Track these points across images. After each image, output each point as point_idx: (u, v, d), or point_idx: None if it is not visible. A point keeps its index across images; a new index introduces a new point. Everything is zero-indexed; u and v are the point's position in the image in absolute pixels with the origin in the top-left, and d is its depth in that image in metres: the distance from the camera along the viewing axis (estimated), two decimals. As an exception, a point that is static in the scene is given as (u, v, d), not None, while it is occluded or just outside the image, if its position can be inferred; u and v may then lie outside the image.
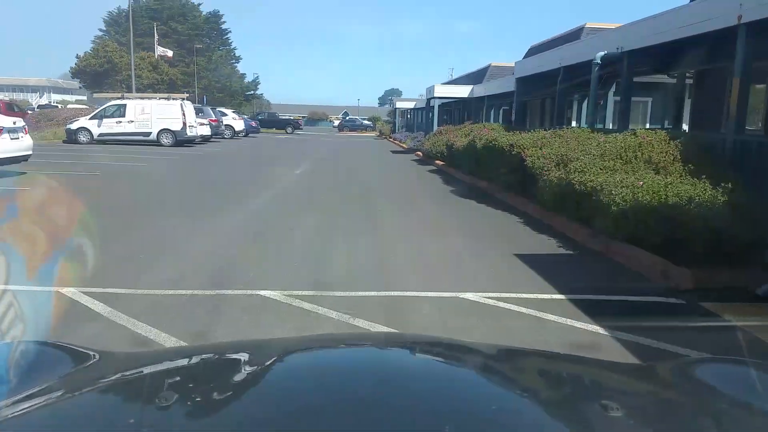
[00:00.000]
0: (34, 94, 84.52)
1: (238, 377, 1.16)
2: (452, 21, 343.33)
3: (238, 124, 37.73)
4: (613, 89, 20.20)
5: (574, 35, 23.17)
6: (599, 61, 12.49)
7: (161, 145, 26.30)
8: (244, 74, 79.53)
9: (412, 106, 45.33)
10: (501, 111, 28.50)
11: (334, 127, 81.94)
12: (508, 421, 0.93)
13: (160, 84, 45.81)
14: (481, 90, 24.01)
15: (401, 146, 32.92)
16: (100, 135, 26.52)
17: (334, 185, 13.66)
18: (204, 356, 1.38)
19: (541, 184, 9.09)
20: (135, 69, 45.57)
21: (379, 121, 69.70)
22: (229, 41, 77.67)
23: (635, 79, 20.84)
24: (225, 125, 37.04)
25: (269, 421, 0.91)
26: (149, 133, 26.50)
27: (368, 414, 0.93)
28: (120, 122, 26.46)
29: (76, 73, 45.34)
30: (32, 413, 0.97)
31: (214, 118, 32.24)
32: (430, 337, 2.28)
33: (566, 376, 1.31)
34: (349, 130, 67.72)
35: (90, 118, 27.05)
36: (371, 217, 9.24)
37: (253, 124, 43.21)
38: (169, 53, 58.56)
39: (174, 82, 47.43)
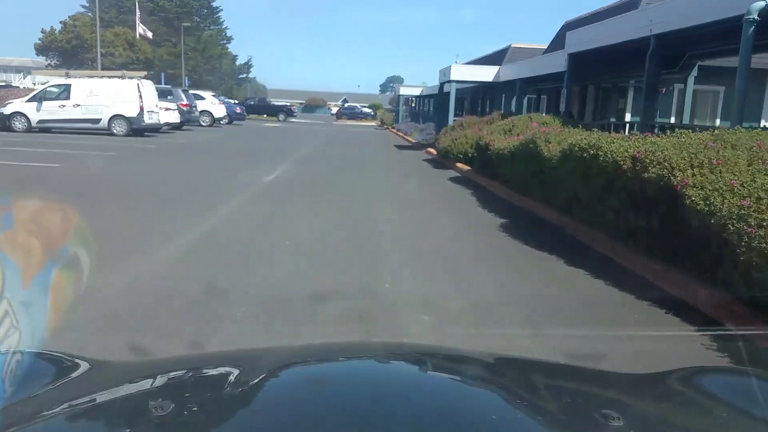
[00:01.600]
0: (18, 75, 79.10)
1: (233, 388, 1.09)
2: (456, 9, 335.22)
3: (218, 110, 32.57)
4: (694, 73, 15.22)
5: (630, 5, 18.06)
6: (755, 17, 7.44)
7: (114, 135, 21.20)
8: (236, 56, 74.24)
9: (417, 93, 40.15)
10: (526, 100, 23.50)
11: (332, 114, 76.72)
12: (508, 431, 0.92)
13: (136, 63, 40.48)
14: (512, 72, 18.91)
15: (407, 140, 27.81)
16: (40, 121, 21.37)
17: (314, 208, 8.64)
18: (199, 366, 1.31)
19: (757, 261, 4.06)
20: (108, 46, 40.34)
21: (380, 110, 64.42)
22: (221, 20, 72.23)
23: (701, 63, 15.83)
24: (202, 111, 31.89)
25: None
26: (98, 120, 21.37)
27: (366, 425, 0.90)
28: (63, 106, 21.31)
29: (41, 50, 40.02)
30: (23, 423, 0.92)
31: (184, 102, 27.08)
32: (428, 347, 2.12)
33: (567, 385, 1.25)
34: (348, 119, 62.47)
35: (27, 101, 21.84)
36: (372, 302, 4.25)
37: (238, 110, 38.02)
38: (149, 33, 53.41)
39: (151, 61, 42.07)
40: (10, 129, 21.23)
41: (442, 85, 23.16)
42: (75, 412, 0.99)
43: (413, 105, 44.93)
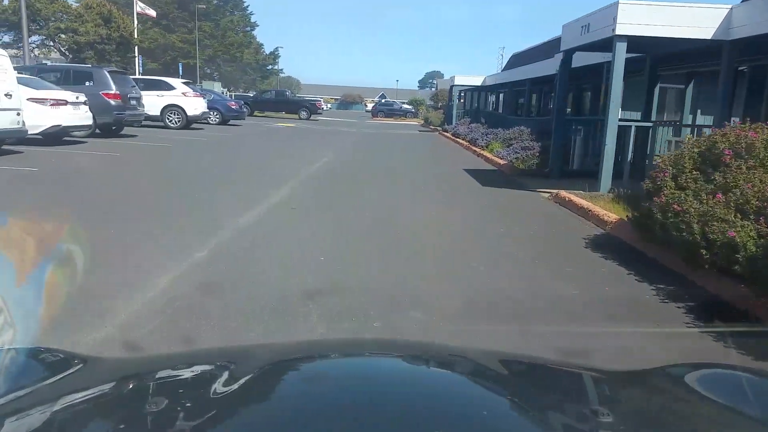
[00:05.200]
0: None
1: (227, 384, 1.01)
2: (497, 4, 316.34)
3: (193, 105, 20.82)
4: None
5: None
6: None
7: None
8: (262, 45, 62.78)
9: (478, 84, 27.87)
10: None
11: (366, 111, 64.82)
12: (499, 427, 0.89)
13: (107, 42, 29.13)
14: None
15: (482, 156, 15.51)
16: None
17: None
18: (192, 363, 1.24)
19: None
20: (74, 21, 29.11)
21: (422, 106, 52.10)
22: (244, 4, 60.83)
23: None
24: (167, 106, 20.35)
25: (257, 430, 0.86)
26: None
27: (359, 422, 0.86)
28: None
29: (-15, 26, 29.22)
30: (17, 419, 0.88)
31: (111, 92, 15.41)
32: (420, 343, 2.06)
33: (557, 382, 1.20)
34: (385, 116, 50.45)
35: None
36: None
37: (233, 105, 26.22)
38: (152, 12, 42.25)
39: (127, 42, 30.69)
40: None
41: (567, 55, 10.95)
42: (68, 409, 0.94)
43: (469, 100, 32.55)
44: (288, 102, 38.57)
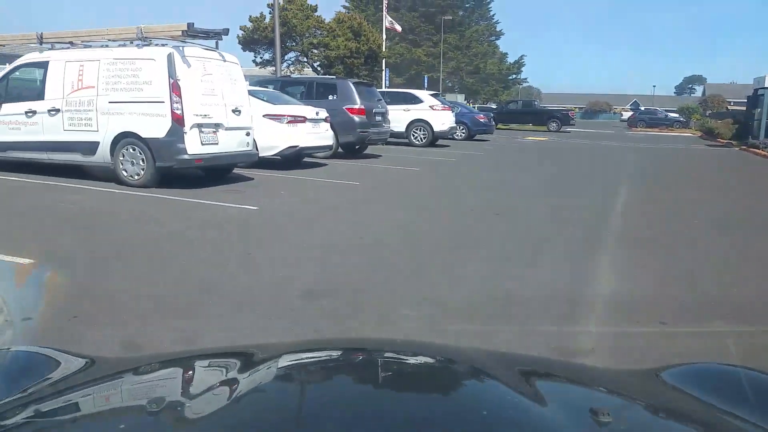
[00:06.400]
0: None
1: (226, 383, 1.02)
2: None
3: (441, 119, 17.98)
4: None
5: None
6: None
7: (124, 182, 8.23)
8: (506, 54, 59.26)
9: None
10: None
11: (622, 120, 57.45)
12: (498, 427, 0.87)
13: (356, 56, 28.13)
14: None
15: None
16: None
17: None
18: (193, 362, 1.21)
19: None
20: (326, 35, 28.81)
21: (696, 114, 43.69)
22: (490, 13, 58.01)
23: None
24: (413, 121, 17.88)
25: (258, 429, 0.84)
26: (91, 146, 8.28)
27: (357, 422, 0.85)
28: (32, 113, 8.77)
29: (247, 43, 29.99)
30: (17, 419, 0.87)
31: (356, 106, 13.09)
32: (420, 343, 1.99)
33: (557, 381, 1.17)
34: (647, 126, 43.28)
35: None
36: None
37: (481, 118, 22.97)
38: (398, 27, 41.62)
39: (374, 54, 29.41)
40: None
41: None
42: (69, 408, 0.92)
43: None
44: (535, 113, 34.46)
